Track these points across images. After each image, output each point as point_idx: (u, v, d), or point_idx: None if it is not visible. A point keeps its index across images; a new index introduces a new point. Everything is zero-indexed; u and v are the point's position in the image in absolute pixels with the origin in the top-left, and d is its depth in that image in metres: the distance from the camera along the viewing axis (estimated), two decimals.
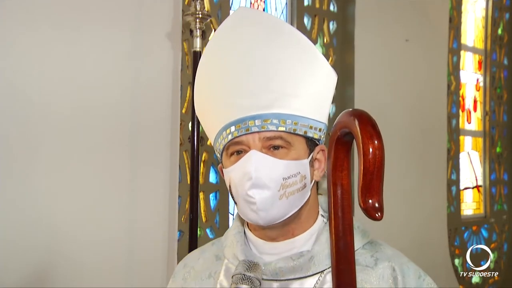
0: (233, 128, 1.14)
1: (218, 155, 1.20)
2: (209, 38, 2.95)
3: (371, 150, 0.86)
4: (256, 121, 1.12)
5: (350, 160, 0.98)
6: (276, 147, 1.12)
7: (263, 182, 1.09)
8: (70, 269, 2.24)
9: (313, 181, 1.17)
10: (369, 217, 0.85)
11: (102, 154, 2.35)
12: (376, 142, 0.87)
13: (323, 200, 1.23)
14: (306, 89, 1.14)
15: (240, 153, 1.13)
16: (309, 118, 1.14)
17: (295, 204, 1.13)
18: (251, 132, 1.12)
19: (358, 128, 0.88)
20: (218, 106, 1.18)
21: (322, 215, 1.20)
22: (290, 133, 1.12)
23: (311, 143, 1.16)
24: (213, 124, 1.19)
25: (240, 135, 1.12)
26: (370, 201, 0.84)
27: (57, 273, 2.21)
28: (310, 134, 1.15)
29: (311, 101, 1.15)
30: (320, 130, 1.17)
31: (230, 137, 1.14)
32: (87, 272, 2.28)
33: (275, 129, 1.11)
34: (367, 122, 0.89)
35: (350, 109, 0.94)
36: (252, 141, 1.12)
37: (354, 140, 0.93)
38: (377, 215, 0.84)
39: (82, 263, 2.27)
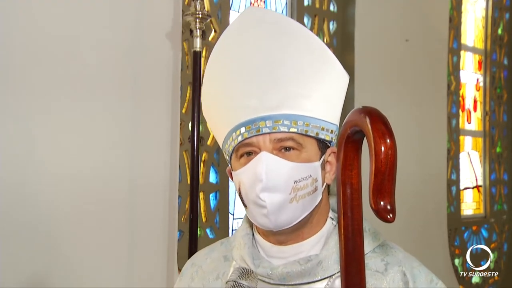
0: (243, 129, 1.11)
1: (227, 157, 1.18)
2: (209, 39, 2.95)
3: (383, 149, 0.83)
4: (267, 122, 1.09)
5: (360, 159, 0.95)
6: (287, 149, 1.09)
7: (274, 185, 1.06)
8: (69, 270, 2.24)
9: (325, 184, 1.14)
10: (380, 219, 0.82)
11: (102, 153, 2.34)
12: (388, 141, 0.83)
13: (334, 201, 1.20)
14: (317, 89, 1.12)
15: (250, 154, 1.11)
16: (321, 120, 1.12)
17: (306, 208, 1.10)
18: (262, 133, 1.09)
19: (370, 127, 0.85)
20: (226, 107, 1.15)
21: (332, 218, 1.18)
22: (302, 134, 1.10)
23: (323, 145, 1.13)
24: (221, 126, 1.17)
25: (251, 136, 1.10)
26: (381, 202, 0.81)
27: (55, 273, 2.21)
28: (321, 136, 1.12)
29: (322, 101, 1.13)
30: (332, 131, 1.14)
31: (240, 138, 1.11)
32: (87, 273, 2.28)
33: (286, 130, 1.09)
34: (379, 120, 0.86)
35: (360, 107, 0.90)
36: (262, 143, 1.09)
37: (364, 138, 0.90)
38: (388, 216, 0.81)
39: (81, 263, 2.27)
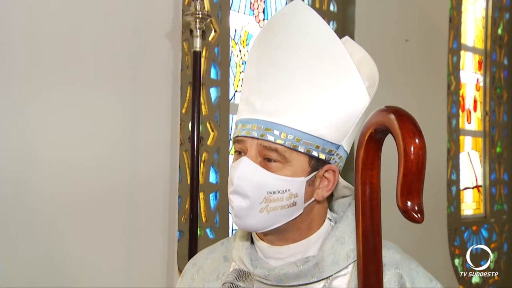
0: (239, 126, 1.12)
1: None
2: (209, 39, 2.95)
3: (413, 149, 0.81)
4: (258, 126, 1.08)
5: (380, 159, 0.94)
6: (270, 159, 1.08)
7: (243, 190, 1.07)
8: (69, 270, 2.24)
9: (312, 200, 1.12)
10: (408, 219, 0.81)
11: (102, 153, 2.35)
12: (418, 141, 0.82)
13: (336, 204, 1.20)
14: (324, 106, 1.08)
15: (241, 153, 1.11)
16: (317, 137, 1.08)
17: (278, 220, 1.09)
18: (251, 136, 1.09)
19: (398, 126, 0.84)
20: (242, 96, 1.17)
21: (330, 219, 1.17)
22: (289, 148, 1.07)
23: (317, 162, 1.10)
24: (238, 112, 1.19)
25: (242, 136, 1.10)
26: (409, 203, 0.81)
27: (55, 272, 2.21)
28: (314, 153, 1.08)
29: (327, 120, 1.08)
30: (330, 151, 1.10)
31: (236, 133, 1.13)
32: (86, 273, 2.28)
33: (272, 140, 1.07)
34: (408, 120, 0.84)
35: (384, 107, 0.89)
36: (249, 145, 1.09)
37: (385, 139, 0.90)
38: (417, 216, 0.81)
39: (81, 263, 2.27)
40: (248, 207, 1.07)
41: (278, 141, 1.07)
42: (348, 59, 1.10)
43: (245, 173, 1.07)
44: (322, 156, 1.10)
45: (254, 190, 1.07)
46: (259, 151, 1.08)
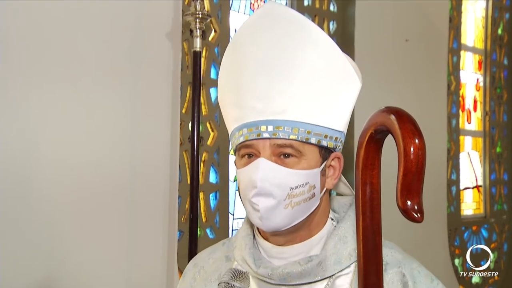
0: (245, 131, 1.12)
1: (233, 152, 1.19)
2: (209, 39, 2.95)
3: (412, 149, 0.82)
4: (268, 127, 1.10)
5: (380, 160, 0.95)
6: (286, 155, 1.09)
7: (268, 191, 1.08)
8: (69, 270, 2.24)
9: (324, 189, 1.15)
10: (408, 219, 0.82)
11: (102, 153, 2.35)
12: (417, 141, 0.83)
13: (335, 201, 1.22)
14: (325, 96, 1.11)
15: (251, 156, 1.12)
16: (325, 127, 1.11)
17: (301, 214, 1.11)
18: (262, 137, 1.10)
19: (398, 127, 0.85)
20: (235, 103, 1.16)
21: (332, 218, 1.18)
22: (302, 142, 1.09)
23: (325, 151, 1.13)
24: (230, 119, 1.18)
25: (251, 139, 1.11)
26: (409, 202, 0.82)
27: (54, 272, 2.21)
28: (324, 143, 1.11)
29: (329, 109, 1.12)
30: (336, 139, 1.14)
31: (242, 139, 1.12)
32: (86, 273, 2.28)
33: (286, 137, 1.09)
34: (408, 120, 0.85)
35: (385, 107, 0.90)
36: (262, 147, 1.10)
37: (385, 139, 0.91)
38: (417, 216, 0.82)
39: (81, 263, 2.27)
40: (274, 206, 1.08)
41: (291, 136, 1.09)
42: (336, 48, 1.13)
43: (266, 174, 1.08)
44: (331, 145, 1.13)
45: (278, 189, 1.08)
46: (273, 151, 1.10)
